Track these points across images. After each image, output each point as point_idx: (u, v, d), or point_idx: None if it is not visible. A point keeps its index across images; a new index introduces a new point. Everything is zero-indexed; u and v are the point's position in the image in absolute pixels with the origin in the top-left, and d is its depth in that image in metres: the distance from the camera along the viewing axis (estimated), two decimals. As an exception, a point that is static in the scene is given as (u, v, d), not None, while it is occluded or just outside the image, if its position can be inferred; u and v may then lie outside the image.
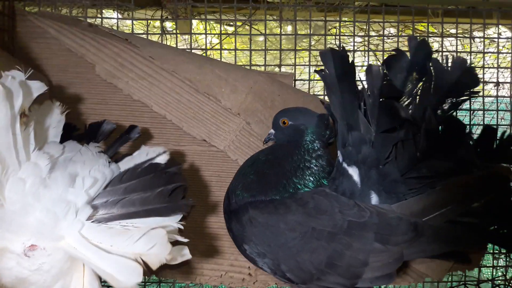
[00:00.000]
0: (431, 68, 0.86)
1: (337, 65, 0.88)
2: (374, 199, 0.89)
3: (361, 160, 0.89)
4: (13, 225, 0.80)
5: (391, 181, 0.87)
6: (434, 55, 0.91)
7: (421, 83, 0.88)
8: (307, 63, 1.48)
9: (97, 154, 0.95)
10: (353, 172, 0.91)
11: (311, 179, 0.95)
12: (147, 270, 0.79)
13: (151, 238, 0.79)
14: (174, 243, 0.84)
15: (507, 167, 0.93)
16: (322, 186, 0.95)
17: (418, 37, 0.87)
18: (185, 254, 0.85)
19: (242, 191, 0.97)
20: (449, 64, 0.84)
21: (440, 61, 0.86)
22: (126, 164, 0.94)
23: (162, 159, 0.95)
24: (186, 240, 0.86)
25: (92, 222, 0.82)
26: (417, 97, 0.89)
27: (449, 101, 0.87)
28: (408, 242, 0.85)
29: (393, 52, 0.89)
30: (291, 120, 1.01)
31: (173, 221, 0.87)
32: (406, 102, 0.90)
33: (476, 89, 0.89)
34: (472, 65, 0.93)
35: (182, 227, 0.87)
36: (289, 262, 0.89)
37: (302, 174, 0.95)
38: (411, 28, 1.73)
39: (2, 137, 0.79)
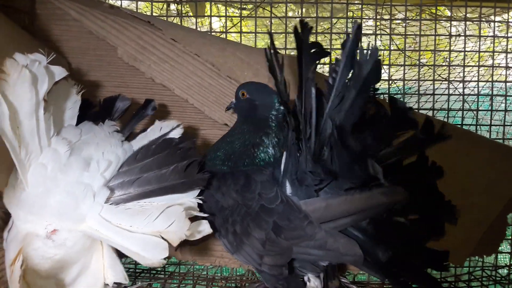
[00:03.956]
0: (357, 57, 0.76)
1: (297, 40, 0.79)
2: (288, 188, 0.88)
3: (288, 145, 0.89)
4: (35, 207, 0.81)
5: (302, 172, 0.85)
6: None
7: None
8: (327, 46, 1.45)
9: (111, 134, 0.94)
10: (283, 158, 0.90)
11: (260, 156, 0.98)
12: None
13: (170, 216, 0.79)
14: (193, 218, 0.85)
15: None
16: (267, 163, 0.97)
17: (357, 21, 0.77)
18: (204, 229, 0.85)
19: (209, 160, 1.02)
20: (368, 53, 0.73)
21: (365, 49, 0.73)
22: (140, 141, 0.94)
23: (176, 133, 0.95)
24: (205, 215, 0.87)
25: (110, 204, 0.82)
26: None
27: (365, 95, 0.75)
28: (298, 240, 0.84)
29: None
30: (248, 93, 1.04)
31: (191, 197, 0.87)
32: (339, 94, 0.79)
33: (377, 85, 0.78)
34: (380, 57, 0.74)
35: (201, 202, 0.88)
36: (223, 227, 0.93)
37: (250, 153, 0.98)
38: (427, 12, 1.70)
39: (27, 123, 0.80)
